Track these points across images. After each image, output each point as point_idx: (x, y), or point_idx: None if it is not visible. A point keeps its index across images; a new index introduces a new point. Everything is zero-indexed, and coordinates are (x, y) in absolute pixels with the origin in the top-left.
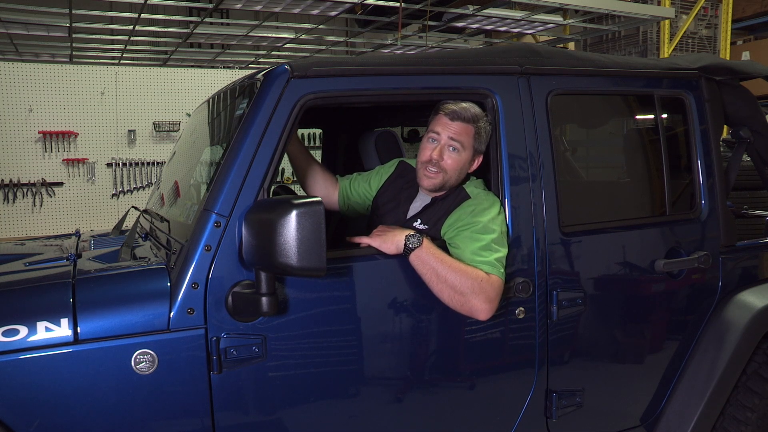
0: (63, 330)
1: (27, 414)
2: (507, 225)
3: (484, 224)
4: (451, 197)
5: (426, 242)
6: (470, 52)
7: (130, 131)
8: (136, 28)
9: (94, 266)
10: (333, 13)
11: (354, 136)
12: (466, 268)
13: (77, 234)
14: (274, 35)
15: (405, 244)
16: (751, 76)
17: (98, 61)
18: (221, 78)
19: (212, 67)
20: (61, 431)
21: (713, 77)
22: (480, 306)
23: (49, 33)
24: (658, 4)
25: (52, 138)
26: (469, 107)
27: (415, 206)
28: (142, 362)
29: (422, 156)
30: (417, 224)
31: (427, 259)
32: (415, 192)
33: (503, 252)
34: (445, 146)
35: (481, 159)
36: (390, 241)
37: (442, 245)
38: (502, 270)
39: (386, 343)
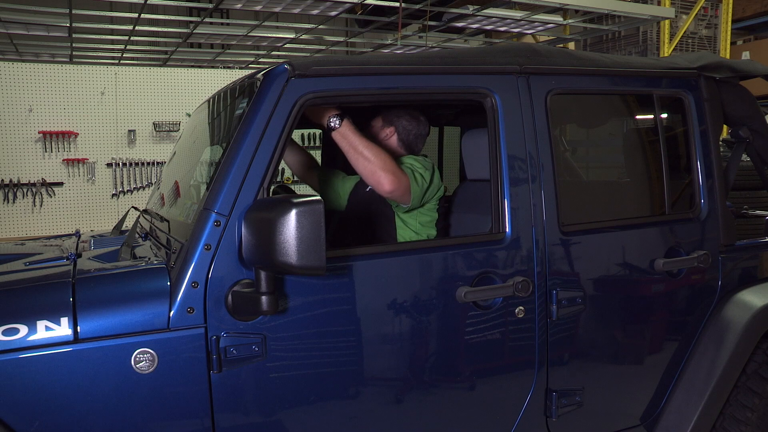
0: (63, 329)
1: (27, 413)
2: (433, 181)
3: (413, 165)
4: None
5: (346, 123)
6: (470, 52)
7: (130, 131)
8: (136, 28)
9: (94, 266)
10: (333, 13)
11: None
12: (382, 150)
13: (77, 234)
14: (274, 35)
15: (327, 123)
16: (751, 75)
17: (98, 61)
18: (221, 78)
19: (212, 67)
20: (61, 430)
21: (713, 76)
22: (386, 177)
23: (49, 33)
24: (658, 4)
25: (52, 138)
26: None
27: None
28: (142, 361)
29: None
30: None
31: (346, 136)
32: None
33: (417, 185)
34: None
35: (392, 130)
36: (321, 115)
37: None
38: (415, 183)
39: (386, 343)
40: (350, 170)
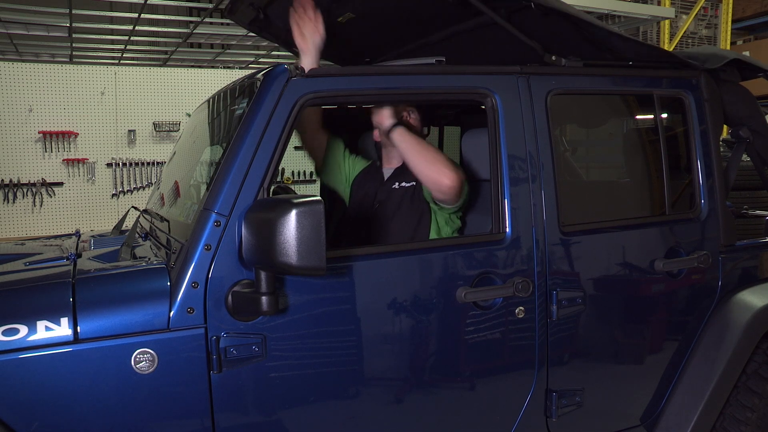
0: (63, 329)
1: (27, 413)
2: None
3: None
4: None
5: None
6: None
7: (130, 131)
8: (136, 28)
9: (94, 266)
10: None
11: (354, 136)
12: (438, 151)
13: (77, 234)
14: None
15: (389, 123)
16: (756, 67)
17: (98, 61)
18: (221, 78)
19: (212, 67)
20: (61, 430)
21: (724, 61)
22: (449, 173)
23: (49, 33)
24: (658, 4)
25: (52, 138)
26: None
27: (387, 171)
28: (142, 361)
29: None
30: (396, 185)
31: (408, 136)
32: (381, 166)
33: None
34: (406, 113)
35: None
36: (381, 116)
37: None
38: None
39: (386, 343)
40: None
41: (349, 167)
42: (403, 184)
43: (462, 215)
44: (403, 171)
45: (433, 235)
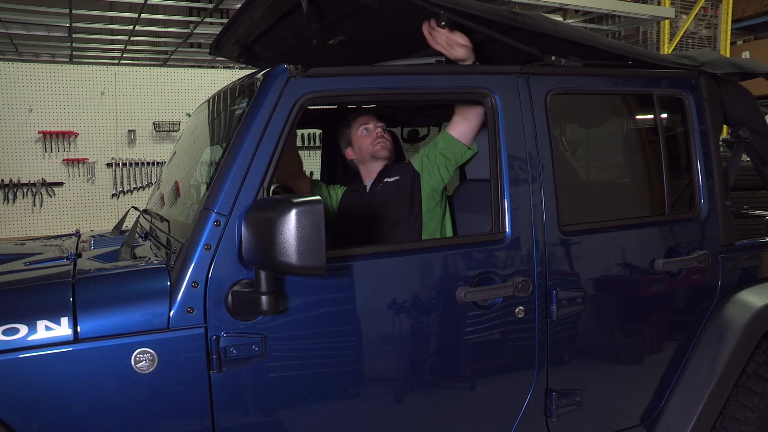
0: (63, 329)
1: (27, 413)
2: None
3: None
4: (395, 163)
5: None
6: None
7: (130, 131)
8: (136, 28)
9: (94, 266)
10: None
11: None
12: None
13: (77, 234)
14: None
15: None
16: (753, 73)
17: (98, 61)
18: (221, 78)
19: (212, 67)
20: (61, 430)
21: (715, 72)
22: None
23: (49, 33)
24: (658, 4)
25: (52, 138)
26: None
27: (368, 182)
28: (142, 361)
29: (367, 139)
30: (380, 185)
31: None
32: (361, 181)
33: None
34: (381, 128)
35: None
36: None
37: (415, 182)
38: None
39: (386, 343)
40: (337, 178)
41: (332, 198)
42: (387, 180)
43: (451, 215)
44: (385, 173)
45: (425, 210)
